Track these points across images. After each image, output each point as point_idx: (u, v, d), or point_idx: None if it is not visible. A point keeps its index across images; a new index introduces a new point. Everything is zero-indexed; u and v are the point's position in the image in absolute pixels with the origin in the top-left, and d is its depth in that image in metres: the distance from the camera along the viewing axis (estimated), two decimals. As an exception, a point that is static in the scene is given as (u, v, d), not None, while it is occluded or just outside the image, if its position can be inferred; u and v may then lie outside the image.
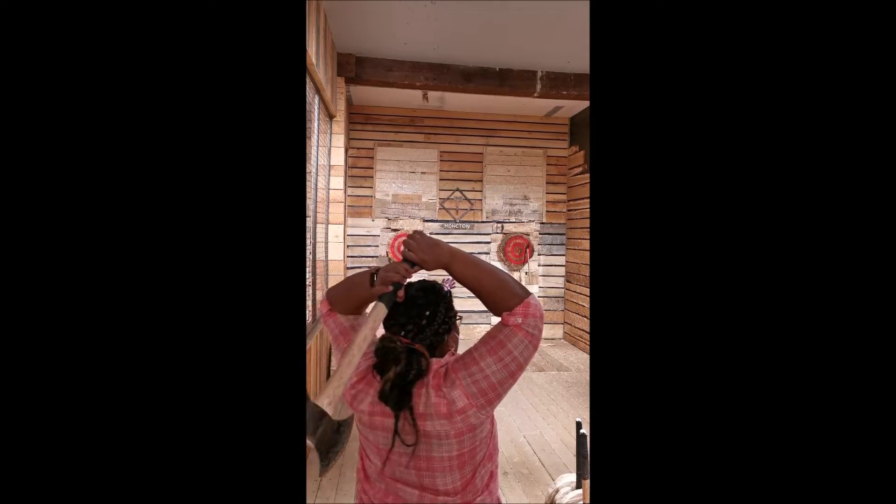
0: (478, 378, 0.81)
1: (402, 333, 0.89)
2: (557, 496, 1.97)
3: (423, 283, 0.95)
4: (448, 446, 0.83)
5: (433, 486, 0.85)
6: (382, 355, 0.85)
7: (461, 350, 0.88)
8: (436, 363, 0.86)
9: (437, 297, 0.93)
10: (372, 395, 0.86)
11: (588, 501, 1.81)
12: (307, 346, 2.71)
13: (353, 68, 4.07)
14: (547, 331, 5.89)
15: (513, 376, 0.82)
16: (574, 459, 1.95)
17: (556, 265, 5.89)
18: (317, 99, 3.26)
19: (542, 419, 3.34)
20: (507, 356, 0.82)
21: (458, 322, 0.98)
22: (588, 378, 4.33)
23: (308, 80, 2.92)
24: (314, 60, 2.81)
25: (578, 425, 1.88)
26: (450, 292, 0.97)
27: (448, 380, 0.83)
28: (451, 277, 0.94)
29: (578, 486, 1.90)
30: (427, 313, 0.90)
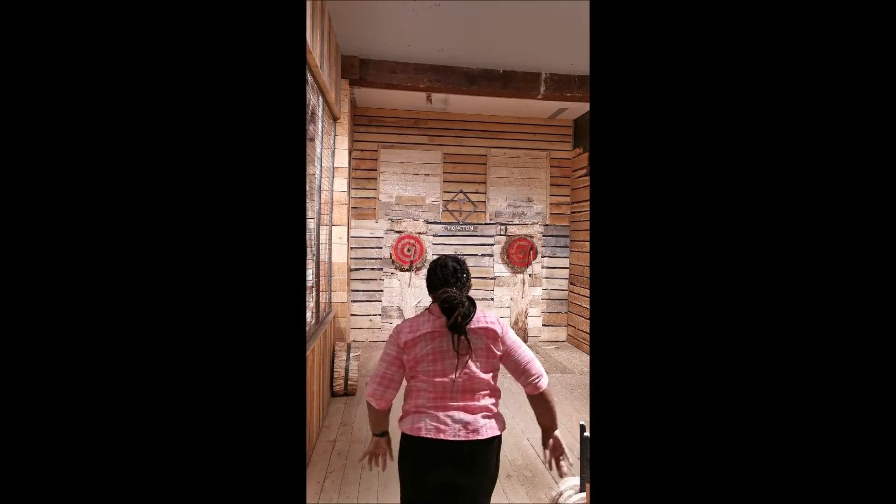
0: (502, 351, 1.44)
1: (453, 290, 1.41)
2: (561, 499, 1.96)
3: (454, 257, 1.48)
4: (484, 359, 1.40)
5: (471, 387, 1.39)
6: (449, 303, 1.38)
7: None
8: (481, 311, 1.44)
9: (463, 265, 1.48)
10: (435, 341, 1.38)
11: (592, 505, 1.80)
12: (311, 349, 2.72)
13: (357, 70, 4.08)
14: (550, 333, 5.88)
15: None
16: (577, 462, 1.94)
17: (559, 267, 5.88)
18: (321, 101, 3.26)
19: (546, 422, 3.33)
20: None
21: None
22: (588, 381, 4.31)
23: (312, 82, 2.93)
24: (318, 63, 2.82)
25: (582, 428, 1.87)
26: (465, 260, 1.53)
27: (499, 331, 1.42)
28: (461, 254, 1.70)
29: (582, 489, 1.89)
30: (464, 276, 1.46)
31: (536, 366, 1.45)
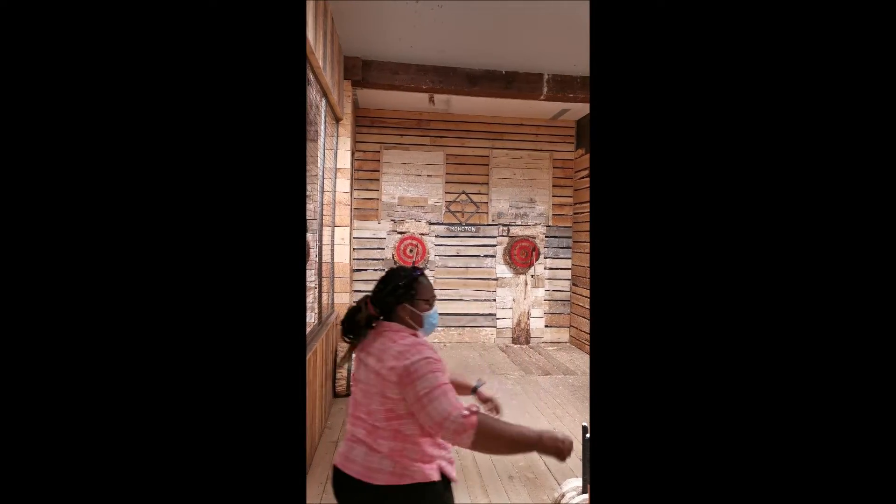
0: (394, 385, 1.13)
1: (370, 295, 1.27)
2: (563, 500, 1.96)
3: (395, 266, 1.31)
4: (377, 382, 1.14)
5: (367, 408, 1.16)
6: (350, 307, 1.25)
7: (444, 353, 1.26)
8: (395, 328, 1.21)
9: (393, 275, 1.28)
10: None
11: (594, 506, 1.79)
12: (313, 350, 2.72)
13: (360, 71, 4.08)
14: (553, 334, 5.86)
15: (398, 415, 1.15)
16: (580, 464, 1.94)
17: (562, 268, 5.87)
18: (323, 102, 3.27)
19: (548, 423, 3.32)
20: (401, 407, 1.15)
21: (421, 306, 1.27)
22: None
23: (315, 83, 2.93)
24: (321, 64, 2.82)
25: (584, 429, 1.86)
26: (419, 275, 1.29)
27: (397, 355, 1.13)
28: (420, 266, 1.39)
29: (585, 490, 1.88)
30: (381, 283, 1.27)
31: (439, 414, 1.06)
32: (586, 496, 1.84)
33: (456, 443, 1.07)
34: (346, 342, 1.24)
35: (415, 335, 1.21)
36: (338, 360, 3.75)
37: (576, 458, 2.62)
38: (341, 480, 1.17)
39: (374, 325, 1.25)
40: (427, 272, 5.51)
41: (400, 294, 1.24)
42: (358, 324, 1.23)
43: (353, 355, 1.27)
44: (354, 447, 1.16)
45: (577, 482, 2.00)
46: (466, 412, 1.08)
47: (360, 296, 5.44)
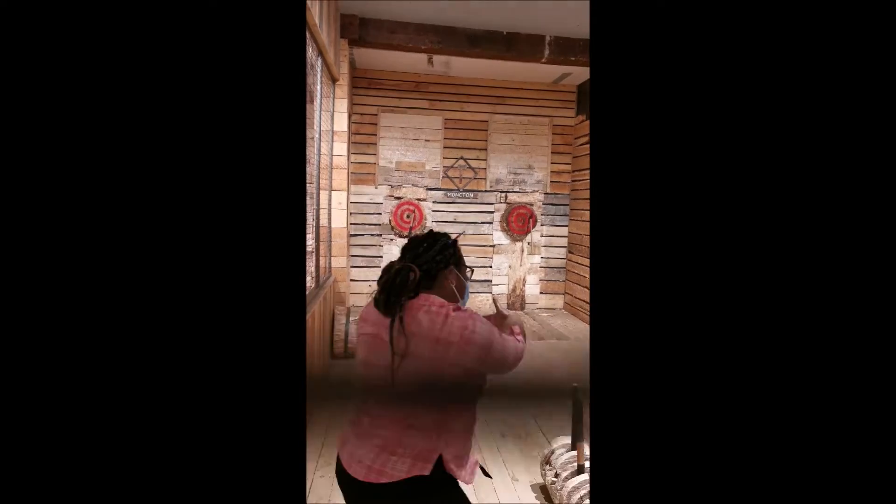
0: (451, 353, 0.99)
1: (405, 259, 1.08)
2: (553, 457, 2.05)
3: (430, 231, 1.14)
4: (421, 359, 0.98)
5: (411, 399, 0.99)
6: (384, 270, 1.05)
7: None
8: (427, 299, 1.02)
9: (436, 239, 1.11)
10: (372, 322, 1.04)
11: (582, 462, 1.88)
12: (311, 312, 2.76)
13: (357, 30, 3.97)
14: (547, 301, 5.94)
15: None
16: (569, 423, 2.01)
17: (558, 236, 5.89)
18: (319, 61, 3.19)
19: (541, 383, 3.42)
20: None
21: (466, 272, 1.15)
22: (586, 347, 4.39)
23: (311, 41, 2.85)
24: (317, 21, 2.74)
25: (575, 390, 1.93)
26: (454, 242, 1.14)
27: (445, 326, 0.98)
28: (456, 235, 1.15)
29: (573, 448, 1.96)
30: (424, 244, 1.09)
31: (515, 356, 1.06)
32: (575, 453, 1.92)
33: (509, 369, 1.06)
34: (382, 314, 1.02)
35: (457, 308, 1.03)
36: (336, 328, 3.79)
37: (565, 417, 2.72)
38: (340, 474, 1.05)
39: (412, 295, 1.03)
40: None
41: (449, 256, 1.09)
42: (402, 288, 1.01)
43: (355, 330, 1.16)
44: (350, 434, 1.05)
45: (566, 440, 2.08)
46: (521, 340, 1.13)
47: (357, 260, 5.49)
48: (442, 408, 1.00)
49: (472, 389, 1.04)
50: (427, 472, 0.98)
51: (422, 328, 0.98)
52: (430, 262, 1.07)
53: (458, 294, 1.12)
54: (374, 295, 1.05)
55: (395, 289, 1.01)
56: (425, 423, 0.99)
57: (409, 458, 0.98)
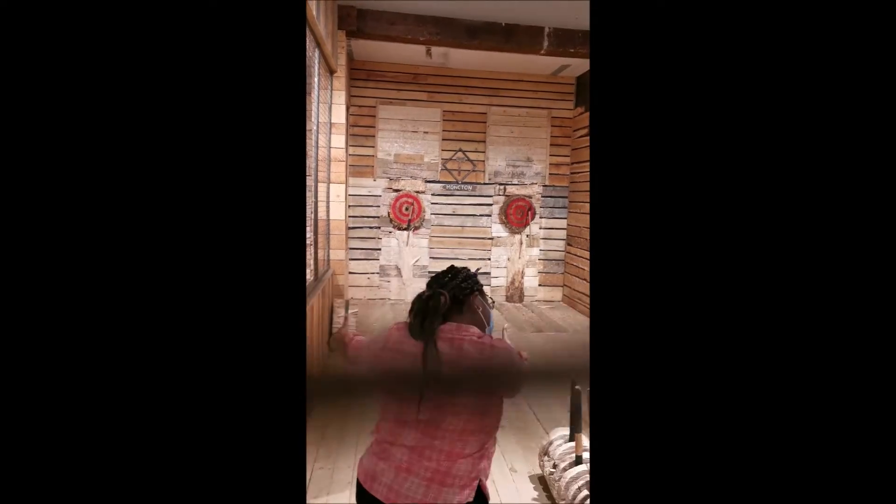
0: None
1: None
2: (551, 448, 2.06)
3: (450, 265, 1.19)
4: (457, 384, 1.00)
5: (435, 427, 1.00)
6: (414, 300, 1.07)
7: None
8: (458, 328, 1.06)
9: (458, 270, 1.16)
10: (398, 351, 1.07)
11: (580, 454, 1.89)
12: (309, 305, 2.76)
13: (355, 21, 3.94)
14: (546, 293, 5.96)
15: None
16: (567, 414, 2.03)
17: (557, 228, 5.89)
18: (317, 53, 3.17)
19: (539, 377, 3.44)
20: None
21: (490, 303, 1.19)
22: (584, 339, 4.41)
23: (308, 32, 2.83)
24: (314, 13, 2.72)
25: (573, 382, 1.94)
26: (475, 273, 1.20)
27: (493, 356, 1.02)
28: (474, 269, 1.23)
29: (571, 439, 1.98)
30: (448, 276, 1.14)
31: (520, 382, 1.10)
32: (573, 444, 1.94)
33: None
34: (420, 340, 1.01)
35: (498, 340, 1.07)
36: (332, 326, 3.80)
37: (563, 409, 2.74)
38: None
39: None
40: (422, 230, 5.52)
41: (473, 283, 1.14)
42: (439, 312, 1.03)
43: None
44: (384, 468, 1.01)
45: (565, 431, 2.10)
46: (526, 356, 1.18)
47: (356, 253, 5.49)
48: (487, 434, 1.03)
49: (500, 412, 1.08)
50: (472, 499, 1.02)
51: (464, 355, 1.01)
52: (457, 289, 1.11)
53: (485, 320, 1.14)
54: (407, 321, 1.08)
55: (429, 312, 1.03)
56: (473, 451, 1.01)
57: (458, 487, 1.00)
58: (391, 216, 5.50)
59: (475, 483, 1.03)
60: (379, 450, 1.04)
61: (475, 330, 1.07)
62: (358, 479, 1.06)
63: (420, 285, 1.23)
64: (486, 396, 1.02)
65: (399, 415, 1.03)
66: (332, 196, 3.97)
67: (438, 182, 5.62)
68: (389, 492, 0.99)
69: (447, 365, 0.98)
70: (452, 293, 1.09)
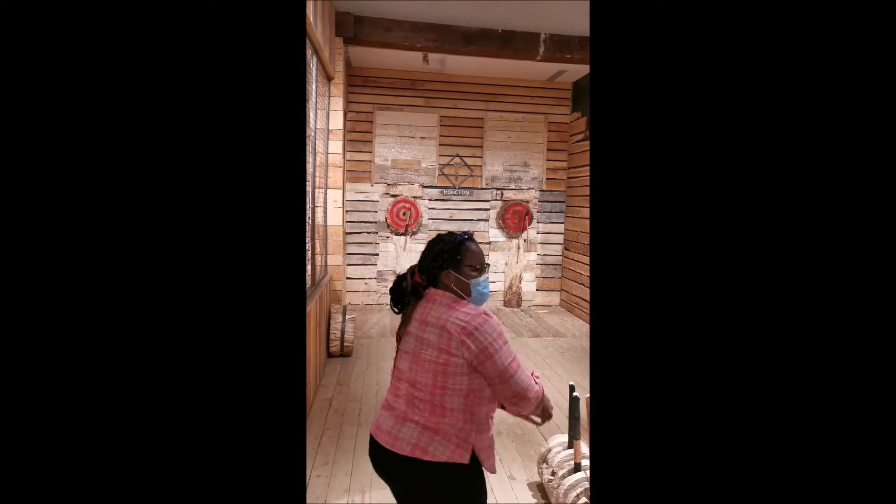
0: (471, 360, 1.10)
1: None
2: (550, 455, 2.06)
3: (438, 234, 1.23)
4: (431, 352, 1.10)
5: (414, 380, 1.12)
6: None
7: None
8: (448, 296, 1.15)
9: (438, 240, 1.21)
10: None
11: (578, 461, 1.89)
12: (307, 311, 2.75)
13: (352, 28, 3.95)
14: (544, 298, 5.96)
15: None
16: (566, 421, 2.02)
17: (554, 233, 5.90)
18: (315, 60, 3.18)
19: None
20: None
21: (468, 270, 1.19)
22: (582, 344, 4.41)
23: (306, 39, 2.84)
24: (312, 20, 2.73)
25: (571, 388, 1.93)
26: (466, 239, 1.21)
27: (464, 326, 1.09)
28: (468, 231, 1.26)
29: (570, 446, 1.97)
30: (424, 252, 1.21)
31: (522, 387, 1.12)
32: (571, 451, 1.93)
33: (525, 410, 1.15)
34: (394, 313, 1.20)
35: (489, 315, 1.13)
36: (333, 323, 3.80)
37: (561, 416, 2.73)
38: (377, 451, 1.15)
39: (422, 293, 1.17)
40: (420, 235, 5.52)
41: (444, 259, 1.17)
42: (404, 291, 1.18)
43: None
44: (400, 427, 1.11)
45: (563, 438, 2.09)
46: (536, 380, 1.18)
47: (353, 258, 5.48)
48: (460, 394, 1.10)
49: (465, 374, 1.11)
50: (465, 461, 1.09)
51: (427, 318, 1.12)
52: (427, 268, 1.19)
53: (461, 293, 1.18)
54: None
55: (395, 290, 1.21)
56: (454, 406, 1.09)
57: (448, 442, 1.09)
58: (388, 221, 5.50)
59: (468, 446, 1.10)
60: (386, 404, 1.19)
61: (472, 307, 1.13)
62: (370, 433, 1.18)
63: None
64: (446, 355, 1.08)
65: (395, 370, 1.19)
66: (329, 201, 3.97)
67: (436, 187, 5.62)
68: (389, 436, 1.12)
69: (421, 325, 1.12)
70: (425, 273, 1.18)
